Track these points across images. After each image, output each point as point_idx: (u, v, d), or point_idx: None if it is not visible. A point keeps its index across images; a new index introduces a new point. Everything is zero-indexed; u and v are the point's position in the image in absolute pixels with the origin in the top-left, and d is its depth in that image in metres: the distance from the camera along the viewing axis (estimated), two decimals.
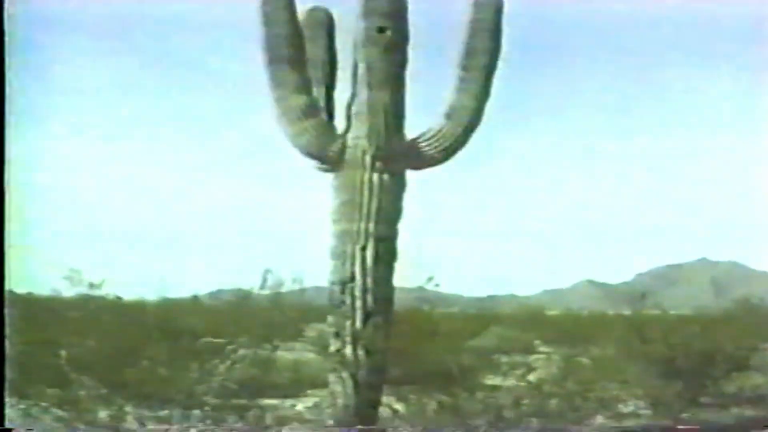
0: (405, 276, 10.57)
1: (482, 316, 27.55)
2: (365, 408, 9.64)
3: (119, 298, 11.02)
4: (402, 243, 10.17)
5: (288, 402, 11.99)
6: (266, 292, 8.89)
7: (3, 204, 6.19)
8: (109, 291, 9.70)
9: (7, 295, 6.87)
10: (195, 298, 10.31)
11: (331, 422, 9.95)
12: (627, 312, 13.80)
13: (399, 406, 8.43)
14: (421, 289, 11.12)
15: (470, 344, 16.54)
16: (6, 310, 6.43)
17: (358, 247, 9.86)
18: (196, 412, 7.97)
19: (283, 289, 8.81)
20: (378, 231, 9.86)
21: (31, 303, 12.97)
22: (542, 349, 21.98)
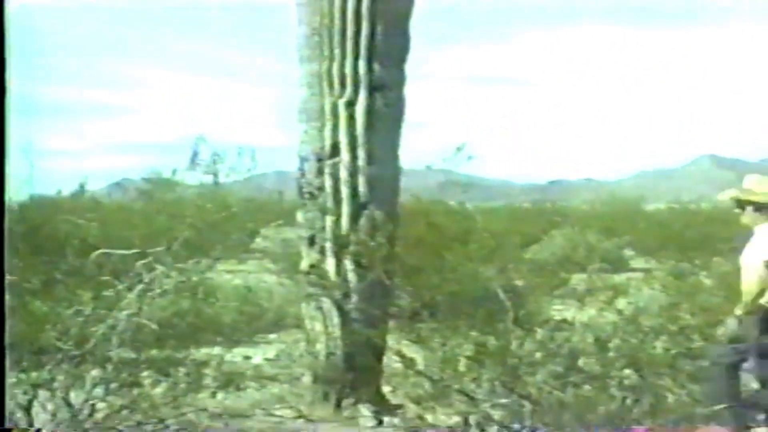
0: (419, 148, 10.55)
1: (543, 211, 27.51)
2: (360, 356, 9.77)
3: None
4: (412, 93, 10.17)
5: (238, 351, 12.10)
6: (197, 176, 8.84)
7: None
8: None
9: None
10: (84, 190, 10.27)
11: (307, 380, 10.05)
12: None
13: (414, 353, 8.45)
14: (445, 171, 11.12)
15: (525, 255, 16.61)
16: None
17: (342, 102, 9.85)
18: (94, 371, 7.98)
19: (225, 172, 8.76)
20: (372, 74, 9.86)
21: None
22: (638, 262, 22.20)
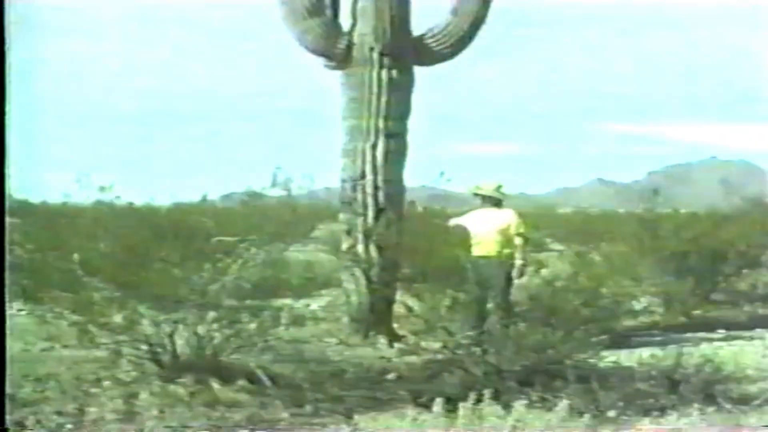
0: (416, 173, 10.50)
1: None
2: (379, 305, 9.66)
3: (131, 203, 10.94)
4: (412, 140, 10.07)
5: (302, 301, 12.00)
6: (277, 191, 8.75)
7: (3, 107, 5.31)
8: (119, 195, 9.53)
9: (14, 203, 6.26)
10: (205, 199, 10.16)
11: (345, 320, 9.94)
12: (638, 210, 13.59)
13: (413, 304, 8.32)
14: (433, 187, 11.02)
15: None
16: (11, 219, 5.51)
17: (368, 144, 9.77)
18: (211, 313, 7.85)
19: (294, 188, 8.66)
20: (388, 127, 9.78)
21: (42, 210, 12.95)
22: (554, 246, 22.04)
